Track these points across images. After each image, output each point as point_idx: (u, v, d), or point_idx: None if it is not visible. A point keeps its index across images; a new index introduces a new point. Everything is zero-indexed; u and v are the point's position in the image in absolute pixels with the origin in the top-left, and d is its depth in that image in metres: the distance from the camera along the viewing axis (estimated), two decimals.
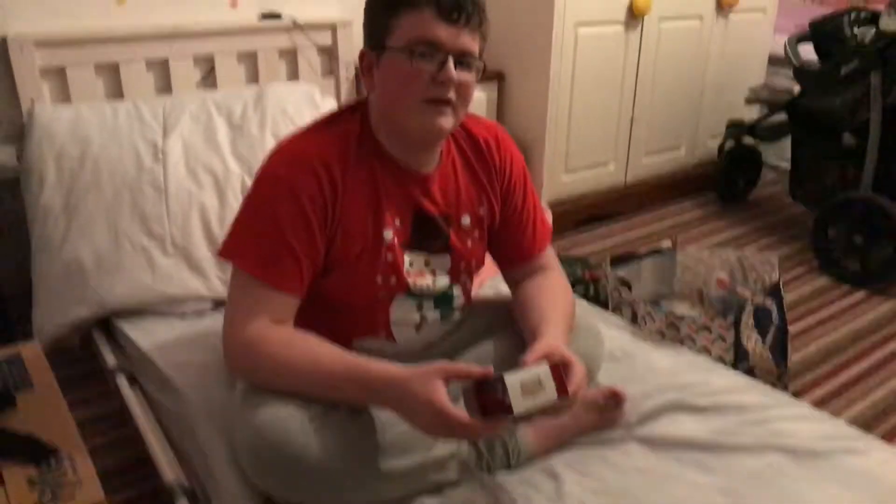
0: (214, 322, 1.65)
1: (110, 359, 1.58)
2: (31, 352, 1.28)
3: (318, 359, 1.07)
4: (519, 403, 0.93)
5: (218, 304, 1.73)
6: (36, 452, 1.02)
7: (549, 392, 0.96)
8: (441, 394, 0.96)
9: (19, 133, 1.89)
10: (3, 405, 1.12)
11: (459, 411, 0.96)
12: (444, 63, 1.08)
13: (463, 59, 1.10)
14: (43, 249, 1.69)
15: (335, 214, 1.14)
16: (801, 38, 2.71)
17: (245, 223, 1.15)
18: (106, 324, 1.68)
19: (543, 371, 0.97)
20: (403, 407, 1.00)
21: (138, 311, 1.66)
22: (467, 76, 1.11)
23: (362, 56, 1.17)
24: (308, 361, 1.07)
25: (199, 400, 1.33)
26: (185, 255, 1.72)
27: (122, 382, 1.50)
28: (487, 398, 0.95)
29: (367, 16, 1.16)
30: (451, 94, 1.10)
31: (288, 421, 1.04)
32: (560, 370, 1.00)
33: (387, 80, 1.13)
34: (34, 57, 1.93)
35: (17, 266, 1.90)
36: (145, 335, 1.58)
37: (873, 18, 2.48)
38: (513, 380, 0.95)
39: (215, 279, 1.72)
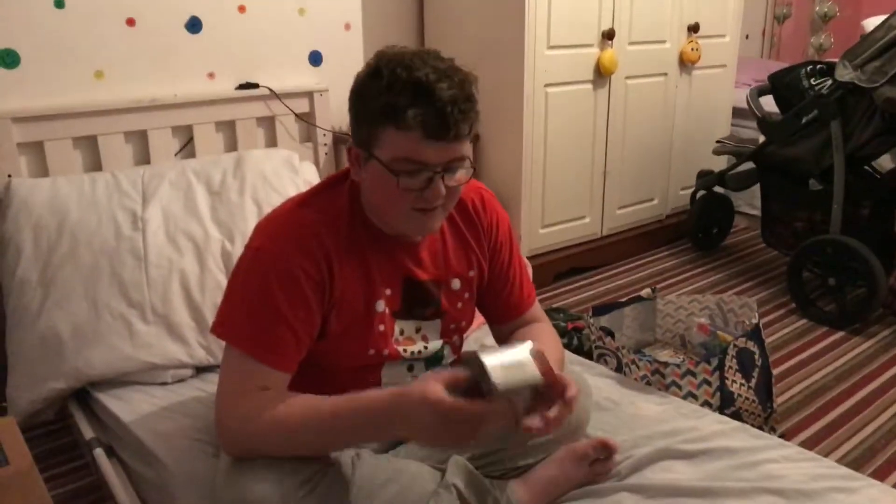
0: (196, 389, 1.64)
1: (87, 431, 1.54)
2: (5, 427, 1.24)
3: (318, 406, 1.04)
4: (500, 377, 0.91)
5: (200, 370, 1.71)
6: None
7: (531, 370, 0.94)
8: (438, 389, 0.93)
9: None
10: None
11: (457, 399, 0.93)
12: (431, 179, 1.06)
13: (452, 167, 1.08)
14: (18, 323, 1.66)
15: (332, 290, 1.13)
16: (761, 91, 2.82)
17: (239, 301, 1.12)
18: (83, 395, 1.65)
19: (521, 351, 0.95)
20: (407, 419, 0.96)
21: (117, 382, 1.63)
22: (456, 180, 1.09)
23: (349, 149, 1.13)
24: (309, 411, 1.04)
25: (181, 470, 1.30)
26: (165, 323, 1.70)
27: (100, 455, 1.45)
28: (472, 383, 0.94)
29: (352, 115, 1.10)
30: (440, 201, 1.09)
31: (273, 492, 1.01)
32: (543, 356, 0.96)
33: (373, 186, 1.11)
34: (11, 132, 1.94)
35: None
36: (124, 405, 1.55)
37: (829, 70, 2.59)
38: (492, 359, 0.93)
39: (196, 346, 1.70)
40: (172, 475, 1.29)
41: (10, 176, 1.91)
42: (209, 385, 1.65)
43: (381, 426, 1.01)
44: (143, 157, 2.20)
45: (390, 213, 1.12)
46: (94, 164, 2.11)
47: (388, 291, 1.20)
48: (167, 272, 1.76)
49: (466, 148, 1.09)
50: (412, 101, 1.01)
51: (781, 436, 1.78)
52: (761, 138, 2.84)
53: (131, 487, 1.38)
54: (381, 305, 1.19)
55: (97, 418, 1.59)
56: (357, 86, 1.08)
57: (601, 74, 2.79)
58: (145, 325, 1.68)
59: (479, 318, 1.41)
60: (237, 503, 1.02)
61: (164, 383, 1.66)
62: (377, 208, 1.15)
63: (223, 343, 1.12)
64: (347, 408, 1.02)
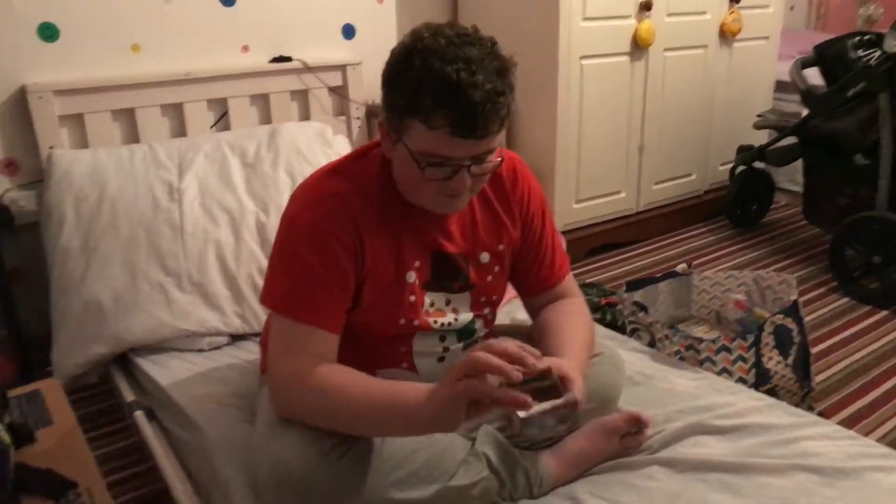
0: (231, 356, 1.67)
1: (128, 394, 1.59)
2: (50, 389, 1.28)
3: (368, 391, 1.03)
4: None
5: (235, 338, 1.74)
6: (55, 487, 1.02)
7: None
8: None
9: (39, 178, 1.94)
10: (24, 441, 1.12)
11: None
12: (457, 171, 1.05)
13: (479, 158, 1.06)
14: (62, 290, 1.71)
15: (363, 258, 1.14)
16: (805, 63, 2.73)
17: (279, 269, 1.15)
18: (124, 360, 1.69)
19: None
20: (434, 411, 0.96)
21: (156, 348, 1.67)
22: (483, 169, 1.08)
23: (381, 123, 1.11)
24: (360, 392, 1.03)
25: (216, 433, 1.33)
26: (201, 292, 1.73)
27: (140, 417, 1.50)
28: None
29: (384, 96, 1.07)
30: (465, 189, 1.08)
31: (309, 451, 1.03)
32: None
33: (400, 168, 1.11)
34: (53, 105, 1.98)
35: (37, 308, 1.92)
36: (163, 370, 1.59)
37: (877, 41, 2.50)
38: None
39: (232, 314, 1.73)
40: (208, 438, 1.32)
41: (52, 147, 1.96)
42: (244, 353, 1.68)
43: (414, 431, 1.02)
44: (180, 130, 2.23)
45: (416, 194, 1.13)
46: (132, 137, 2.15)
47: (417, 263, 1.20)
48: (203, 242, 1.78)
49: (496, 140, 1.07)
50: (440, 101, 0.98)
51: (820, 414, 1.74)
52: (804, 112, 2.75)
53: (170, 449, 1.41)
54: (411, 276, 1.19)
55: (137, 382, 1.64)
56: (388, 70, 1.05)
57: (638, 46, 2.73)
58: (182, 294, 1.72)
59: (510, 291, 1.41)
60: (274, 464, 1.04)
61: (201, 350, 1.69)
62: (404, 187, 1.15)
63: (262, 312, 1.14)
64: (390, 405, 1.01)
